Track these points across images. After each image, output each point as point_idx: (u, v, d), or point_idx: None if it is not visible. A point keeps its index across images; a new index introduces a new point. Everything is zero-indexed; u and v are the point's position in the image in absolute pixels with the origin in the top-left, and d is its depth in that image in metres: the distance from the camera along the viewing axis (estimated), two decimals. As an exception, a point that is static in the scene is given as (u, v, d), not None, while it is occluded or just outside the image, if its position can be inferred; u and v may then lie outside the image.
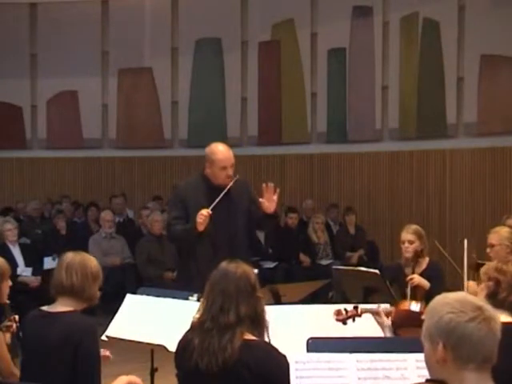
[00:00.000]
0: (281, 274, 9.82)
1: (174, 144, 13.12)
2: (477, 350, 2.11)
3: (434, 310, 2.19)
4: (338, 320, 3.79)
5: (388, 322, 3.88)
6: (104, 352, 3.82)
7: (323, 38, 12.29)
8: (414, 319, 4.45)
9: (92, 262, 3.66)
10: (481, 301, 2.22)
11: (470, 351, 2.11)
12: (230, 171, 5.18)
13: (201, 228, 5.00)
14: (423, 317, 4.51)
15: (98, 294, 3.68)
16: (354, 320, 3.71)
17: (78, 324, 3.48)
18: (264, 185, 5.14)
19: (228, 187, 5.11)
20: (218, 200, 5.03)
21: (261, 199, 5.14)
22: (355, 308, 3.70)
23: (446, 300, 2.20)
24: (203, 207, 5.08)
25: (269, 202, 5.12)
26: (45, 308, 3.64)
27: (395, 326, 4.20)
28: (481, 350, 2.11)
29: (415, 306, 4.63)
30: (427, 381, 2.23)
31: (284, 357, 2.98)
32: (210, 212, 5.00)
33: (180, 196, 5.29)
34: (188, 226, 5.09)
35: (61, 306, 3.57)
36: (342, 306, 3.93)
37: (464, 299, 2.19)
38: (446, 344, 2.12)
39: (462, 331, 2.11)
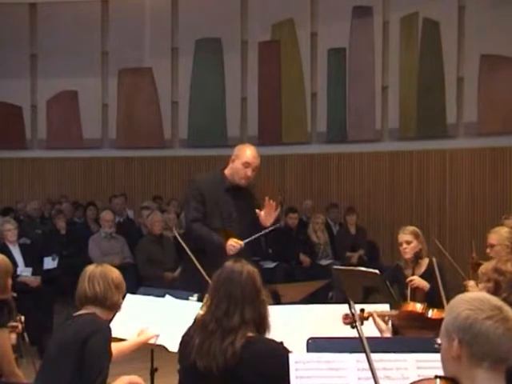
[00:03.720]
0: (281, 273, 9.81)
1: (174, 144, 13.11)
2: (492, 349, 2.12)
3: (453, 307, 2.21)
4: (346, 323, 3.78)
5: (388, 327, 3.87)
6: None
7: (323, 38, 12.29)
8: (417, 320, 4.46)
9: (113, 271, 3.74)
10: (500, 301, 2.22)
11: (484, 349, 2.12)
12: (250, 172, 5.18)
13: (229, 254, 4.96)
14: (429, 315, 4.53)
15: (122, 302, 3.73)
16: (362, 323, 3.70)
17: (89, 323, 3.53)
18: (267, 199, 5.12)
19: (272, 226, 5.12)
20: (255, 237, 5.05)
21: (258, 211, 5.12)
22: (361, 311, 3.70)
23: (465, 298, 2.22)
24: (219, 206, 5.09)
25: (266, 216, 5.11)
26: (74, 314, 3.71)
27: (398, 327, 4.20)
28: (496, 348, 2.12)
29: (419, 308, 4.65)
30: (436, 377, 2.23)
31: (281, 345, 3.02)
32: (243, 245, 5.00)
33: (199, 189, 5.27)
34: (216, 240, 5.06)
35: (84, 311, 3.65)
36: (343, 307, 3.93)
37: (483, 298, 2.20)
38: (462, 340, 2.13)
39: (479, 328, 2.12)
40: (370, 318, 3.81)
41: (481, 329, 2.11)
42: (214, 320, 3.01)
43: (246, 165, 5.16)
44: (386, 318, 3.92)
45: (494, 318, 2.12)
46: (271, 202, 5.11)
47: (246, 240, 5.03)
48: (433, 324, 4.31)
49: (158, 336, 4.05)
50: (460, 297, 2.24)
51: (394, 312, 4.11)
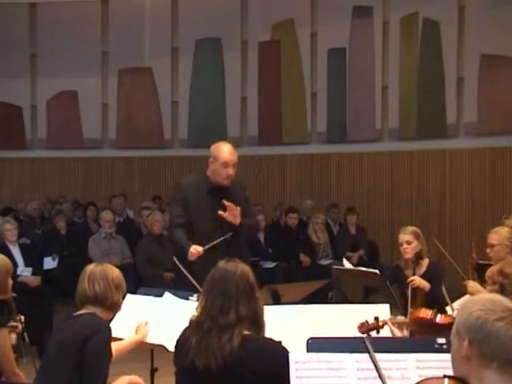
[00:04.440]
0: (281, 274, 9.81)
1: (174, 144, 13.12)
2: (502, 350, 2.12)
3: (465, 308, 2.21)
4: (361, 332, 3.77)
5: (405, 334, 3.87)
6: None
7: (323, 38, 12.30)
8: (427, 326, 4.46)
9: (114, 271, 3.72)
10: None
11: (494, 350, 2.12)
12: (231, 171, 5.18)
13: (192, 260, 5.01)
14: (437, 320, 4.54)
15: (122, 301, 3.73)
16: (377, 332, 3.70)
17: (89, 322, 3.52)
18: (225, 202, 5.11)
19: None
20: (215, 242, 5.02)
21: (222, 213, 5.11)
22: (376, 319, 3.70)
23: (477, 299, 2.23)
24: (202, 208, 5.09)
25: (231, 217, 5.11)
26: (73, 314, 3.70)
27: (412, 334, 4.20)
28: (506, 350, 2.12)
29: (428, 313, 4.66)
30: (445, 376, 2.23)
31: (280, 344, 3.03)
32: (201, 252, 5.00)
33: (182, 193, 5.29)
34: (185, 247, 5.10)
35: (85, 310, 3.64)
36: (343, 307, 3.93)
37: (496, 299, 2.20)
38: (472, 340, 2.13)
39: (489, 329, 2.12)
40: (385, 327, 3.80)
41: (491, 330, 2.12)
42: (209, 318, 3.03)
43: (225, 164, 5.17)
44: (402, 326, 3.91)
45: (506, 319, 2.13)
46: (227, 203, 5.10)
47: (206, 246, 5.01)
48: (441, 329, 4.32)
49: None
50: (472, 297, 2.27)
51: (406, 319, 4.11)
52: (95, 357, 3.44)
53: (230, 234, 5.10)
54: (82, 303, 3.65)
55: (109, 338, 3.55)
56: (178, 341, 3.16)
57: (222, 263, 3.17)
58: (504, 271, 3.49)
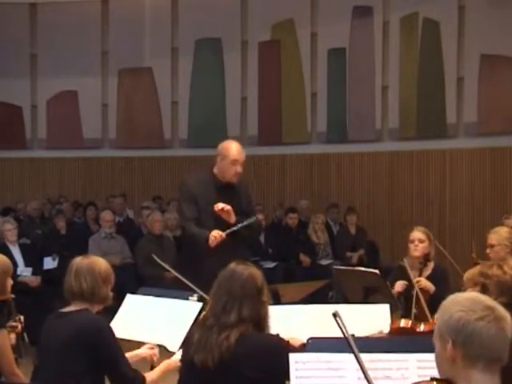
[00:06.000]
0: (281, 273, 9.81)
1: (174, 144, 13.11)
2: (485, 349, 2.12)
3: (446, 309, 2.20)
4: None
5: None
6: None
7: (323, 38, 12.29)
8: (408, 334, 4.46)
9: (101, 264, 3.68)
10: (492, 301, 2.22)
11: (478, 350, 2.12)
12: (240, 168, 5.22)
13: (212, 246, 5.02)
14: (420, 329, 4.54)
15: (111, 294, 3.70)
16: None
17: (88, 321, 3.52)
18: (215, 208, 5.13)
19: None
20: (234, 229, 5.05)
21: (217, 210, 5.15)
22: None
23: (457, 299, 2.22)
24: (210, 206, 5.11)
25: (226, 215, 5.12)
26: (60, 310, 3.68)
27: None
28: (489, 349, 2.12)
29: (408, 323, 4.65)
30: (432, 379, 2.23)
31: (276, 337, 3.06)
32: (224, 236, 5.02)
33: (191, 192, 5.31)
34: (203, 234, 5.11)
35: (74, 307, 3.62)
36: (344, 307, 3.92)
37: (475, 298, 2.20)
38: (456, 342, 2.13)
39: (471, 329, 2.12)
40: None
41: (474, 330, 2.11)
42: (212, 315, 3.06)
43: (234, 162, 5.22)
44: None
45: (487, 318, 2.12)
46: (217, 208, 5.12)
47: (227, 231, 5.04)
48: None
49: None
50: (452, 298, 2.24)
51: (383, 333, 4.09)
52: (109, 349, 3.46)
53: (254, 218, 5.16)
54: (69, 298, 3.63)
55: (110, 328, 3.56)
56: (185, 338, 3.19)
57: (232, 264, 3.19)
58: (485, 272, 3.50)
